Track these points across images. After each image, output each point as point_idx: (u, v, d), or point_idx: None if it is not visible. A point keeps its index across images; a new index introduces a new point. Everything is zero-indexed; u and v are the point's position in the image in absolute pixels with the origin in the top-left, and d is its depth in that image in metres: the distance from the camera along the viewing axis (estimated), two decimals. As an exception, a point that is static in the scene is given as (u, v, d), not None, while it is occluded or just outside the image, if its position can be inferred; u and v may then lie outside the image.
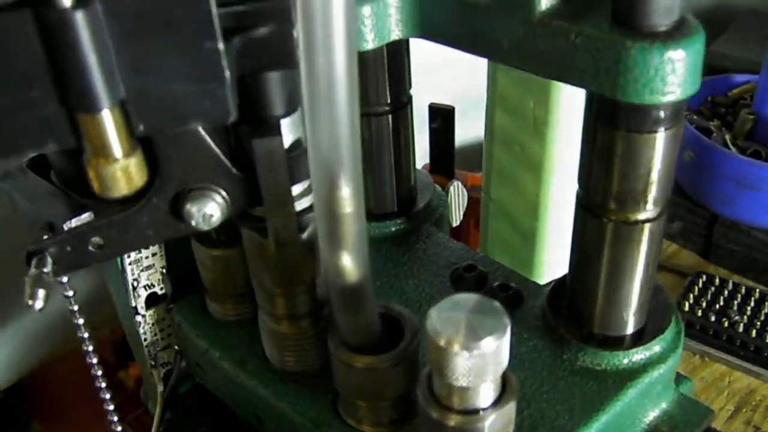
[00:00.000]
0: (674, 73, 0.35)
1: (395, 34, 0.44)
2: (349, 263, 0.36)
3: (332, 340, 0.40)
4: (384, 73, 0.49)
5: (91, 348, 0.45)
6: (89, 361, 0.45)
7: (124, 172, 0.30)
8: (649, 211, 0.41)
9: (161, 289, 0.50)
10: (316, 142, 0.32)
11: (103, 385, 0.47)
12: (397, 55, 0.49)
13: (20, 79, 0.29)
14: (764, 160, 0.83)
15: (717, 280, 0.84)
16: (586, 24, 0.37)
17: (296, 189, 0.39)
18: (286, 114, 0.37)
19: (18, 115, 0.29)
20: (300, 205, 0.39)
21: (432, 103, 0.78)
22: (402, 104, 0.52)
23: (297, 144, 0.38)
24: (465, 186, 0.81)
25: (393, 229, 0.55)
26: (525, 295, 0.49)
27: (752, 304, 0.81)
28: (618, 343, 0.45)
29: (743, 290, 0.83)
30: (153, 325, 0.51)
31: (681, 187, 0.90)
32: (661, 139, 0.38)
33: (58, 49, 0.28)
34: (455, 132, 0.81)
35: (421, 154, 0.86)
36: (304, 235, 0.40)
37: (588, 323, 0.45)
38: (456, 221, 0.61)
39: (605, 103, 0.38)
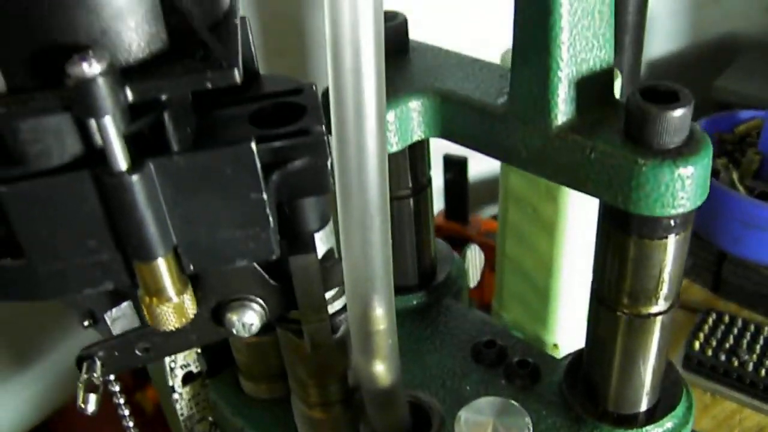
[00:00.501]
0: (684, 189, 0.37)
1: (417, 135, 0.46)
2: (381, 370, 0.38)
3: (364, 431, 0.43)
4: (406, 164, 0.51)
5: (112, 377, 0.47)
6: (110, 389, 0.47)
7: (176, 309, 0.33)
8: (660, 305, 0.43)
9: (197, 367, 0.53)
10: (351, 267, 0.35)
11: (127, 413, 0.49)
12: (418, 147, 0.51)
13: (79, 231, 0.31)
14: (771, 201, 0.85)
15: (727, 318, 0.86)
16: (600, 139, 0.39)
17: (329, 293, 0.41)
18: (320, 228, 0.40)
19: (77, 261, 0.31)
20: (333, 308, 0.42)
21: (446, 154, 0.81)
22: (422, 186, 0.54)
23: (330, 254, 0.41)
24: (479, 232, 0.83)
25: (415, 302, 0.57)
26: (543, 370, 0.51)
27: (761, 342, 0.83)
28: (632, 420, 0.47)
29: (752, 328, 0.84)
30: (189, 400, 0.53)
31: (690, 225, 0.92)
32: (671, 243, 0.40)
33: (115, 207, 0.30)
34: (468, 179, 0.84)
35: (436, 198, 0.89)
36: (338, 335, 0.42)
37: (603, 401, 0.48)
38: (474, 283, 0.63)
39: (618, 211, 0.40)
